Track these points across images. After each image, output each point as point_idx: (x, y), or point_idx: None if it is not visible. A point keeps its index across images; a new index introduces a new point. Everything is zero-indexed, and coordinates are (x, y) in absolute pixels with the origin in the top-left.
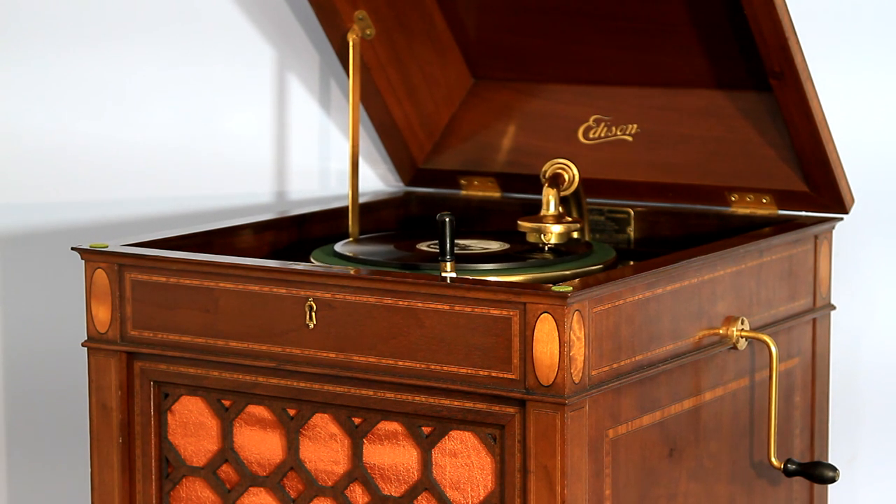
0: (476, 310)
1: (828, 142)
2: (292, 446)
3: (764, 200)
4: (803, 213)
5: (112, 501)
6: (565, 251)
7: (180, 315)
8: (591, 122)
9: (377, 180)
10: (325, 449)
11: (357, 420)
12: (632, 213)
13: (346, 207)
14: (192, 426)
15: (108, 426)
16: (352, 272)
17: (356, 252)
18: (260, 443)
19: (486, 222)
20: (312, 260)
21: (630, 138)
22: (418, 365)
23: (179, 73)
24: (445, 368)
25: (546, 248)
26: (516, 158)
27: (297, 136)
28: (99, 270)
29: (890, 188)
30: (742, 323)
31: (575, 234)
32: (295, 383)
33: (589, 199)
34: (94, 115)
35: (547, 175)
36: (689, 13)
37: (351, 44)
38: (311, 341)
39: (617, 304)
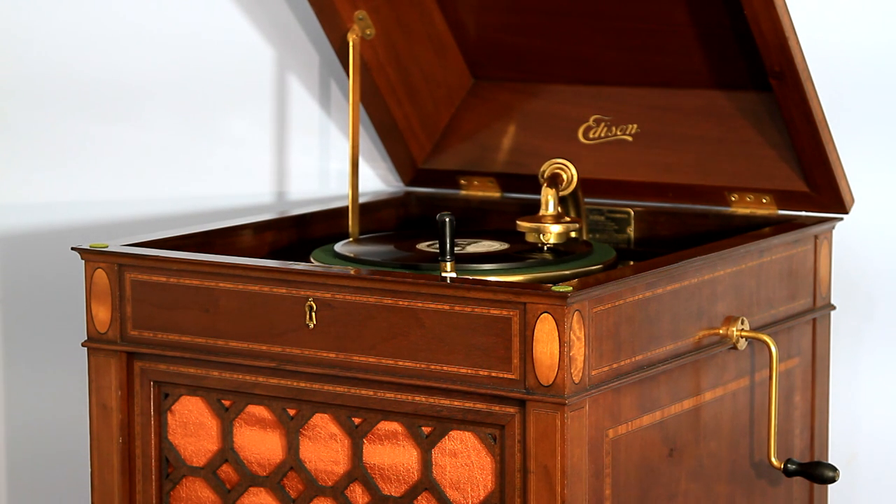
0: (476, 310)
1: (828, 142)
2: (292, 446)
3: (764, 200)
4: (803, 213)
5: (112, 501)
6: (565, 251)
7: (180, 315)
8: (591, 122)
9: (377, 180)
10: (325, 449)
11: (357, 420)
12: (632, 213)
13: (346, 207)
14: (192, 426)
15: (108, 426)
16: (352, 272)
17: (356, 252)
18: (260, 443)
19: (486, 222)
20: (312, 260)
21: (630, 138)
22: (418, 365)
23: (179, 73)
24: (445, 368)
25: (545, 248)
26: (516, 158)
27: (297, 136)
28: (99, 270)
29: (890, 188)
30: (742, 323)
31: (573, 234)
32: (295, 383)
33: (589, 199)
34: (93, 115)
35: (545, 175)
36: (689, 13)
37: (351, 44)
38: (311, 341)
39: (617, 304)
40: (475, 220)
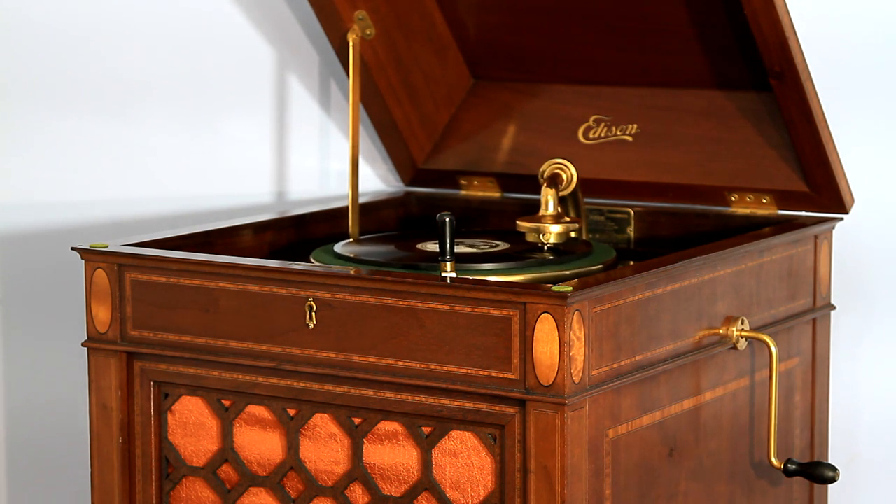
0: (476, 310)
1: (828, 142)
2: (292, 446)
3: (764, 200)
4: (803, 213)
5: (112, 501)
6: (565, 251)
7: (180, 315)
8: (591, 122)
9: (377, 180)
10: (325, 449)
11: (357, 420)
12: (632, 213)
13: (346, 207)
14: (192, 426)
15: (108, 426)
16: (352, 272)
17: (356, 252)
18: (260, 443)
19: (486, 222)
20: (312, 260)
21: (630, 138)
22: (418, 365)
23: (180, 74)
24: (445, 368)
25: (545, 248)
26: (516, 158)
27: (297, 136)
28: (99, 270)
29: (890, 188)
30: (742, 323)
31: (573, 234)
32: (295, 383)
33: (589, 199)
34: (94, 115)
35: (545, 175)
36: (689, 13)
37: (351, 44)
38: (311, 341)
39: (617, 304)
40: (475, 220)
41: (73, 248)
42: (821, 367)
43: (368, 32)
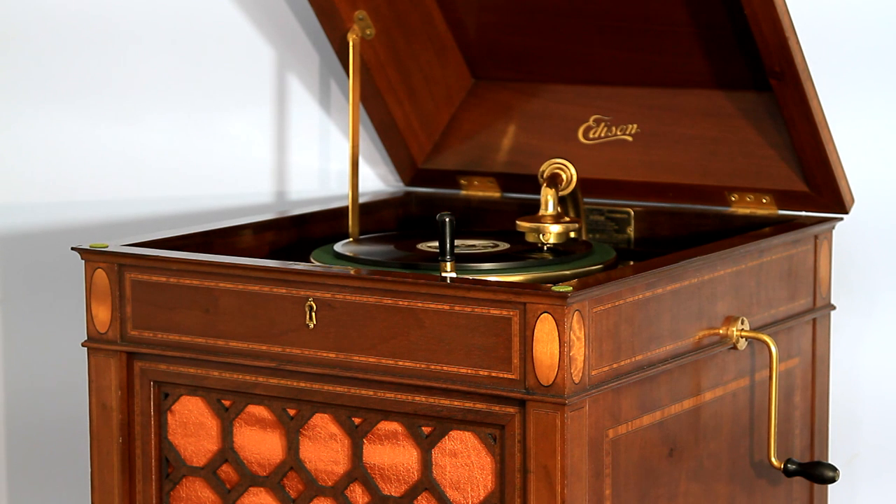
0: (476, 310)
1: (828, 142)
2: (292, 446)
3: (764, 200)
4: (803, 213)
5: (112, 501)
6: (565, 251)
7: (180, 315)
8: (591, 122)
9: (377, 180)
10: (325, 449)
11: (357, 420)
12: (632, 213)
13: (346, 207)
14: (192, 426)
15: (108, 426)
16: (352, 272)
17: (356, 252)
18: (260, 443)
19: (486, 222)
20: (312, 260)
21: (630, 138)
22: (418, 365)
23: (179, 74)
24: (445, 368)
25: (545, 248)
26: (516, 158)
27: (297, 136)
28: (99, 270)
29: (890, 188)
30: (742, 323)
31: (572, 234)
32: (295, 383)
33: (589, 199)
34: (93, 115)
35: (545, 175)
36: (688, 13)
37: (351, 44)
38: (311, 341)
39: (617, 304)
40: (475, 220)
41: (73, 248)
42: (821, 367)
43: (368, 32)
